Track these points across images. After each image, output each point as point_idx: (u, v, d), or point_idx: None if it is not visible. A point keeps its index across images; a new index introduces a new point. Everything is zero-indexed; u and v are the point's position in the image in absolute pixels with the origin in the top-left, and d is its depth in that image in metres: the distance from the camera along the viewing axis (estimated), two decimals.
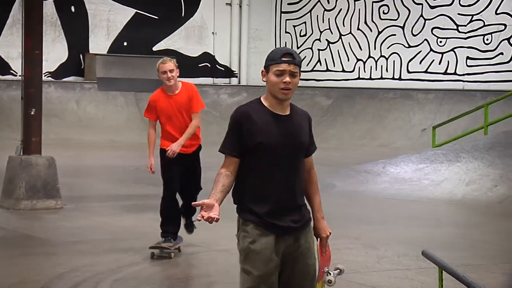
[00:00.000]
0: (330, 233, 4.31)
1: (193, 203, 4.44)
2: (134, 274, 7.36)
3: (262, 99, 4.26)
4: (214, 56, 26.20)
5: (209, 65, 25.98)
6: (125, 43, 25.36)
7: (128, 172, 15.67)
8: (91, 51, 24.84)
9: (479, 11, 22.58)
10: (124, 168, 16.36)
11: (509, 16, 22.04)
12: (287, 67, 4.16)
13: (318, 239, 4.31)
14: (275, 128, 4.18)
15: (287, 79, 4.15)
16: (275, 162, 4.17)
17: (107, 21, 25.21)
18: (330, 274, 4.21)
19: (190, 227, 8.26)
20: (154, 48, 25.59)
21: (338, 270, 4.27)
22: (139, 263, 7.75)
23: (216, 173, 4.22)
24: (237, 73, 26.47)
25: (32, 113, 11.27)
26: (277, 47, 28.06)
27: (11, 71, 23.26)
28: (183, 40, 25.92)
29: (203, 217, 4.08)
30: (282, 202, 4.18)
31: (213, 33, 26.33)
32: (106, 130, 22.66)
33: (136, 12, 25.50)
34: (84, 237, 9.12)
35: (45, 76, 21.62)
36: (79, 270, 7.43)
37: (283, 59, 4.18)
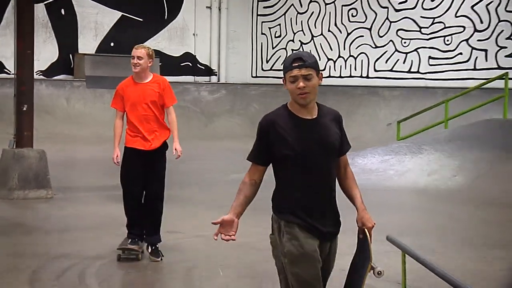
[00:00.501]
0: (375, 224, 4.07)
1: (212, 221, 4.05)
2: (118, 258, 7.32)
3: (288, 104, 4.05)
4: (195, 56, 26.17)
5: (190, 64, 25.97)
6: (112, 44, 25.29)
7: (113, 165, 15.57)
8: (80, 51, 24.76)
9: (440, 14, 22.68)
10: (110, 160, 16.21)
11: (467, 19, 22.15)
12: (299, 72, 3.93)
13: (363, 229, 4.06)
14: (302, 134, 3.94)
15: (301, 84, 3.92)
16: (308, 167, 3.93)
17: (95, 23, 25.14)
18: (376, 266, 3.99)
19: (157, 255, 7.15)
20: None
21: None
22: None
23: (207, 169, 4.12)
24: (216, 72, 26.47)
25: (24, 109, 11.25)
26: (253, 48, 28.34)
27: (5, 70, 23.12)
28: (166, 41, 25.87)
29: (222, 238, 4.00)
30: (323, 207, 3.99)
31: (194, 34, 26.31)
32: (94, 125, 22.57)
33: (122, 14, 25.46)
34: (73, 225, 9.12)
35: (36, 74, 21.48)
36: (68, 256, 7.43)
37: (293, 65, 3.96)
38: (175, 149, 7.30)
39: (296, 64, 3.95)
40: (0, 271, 6.88)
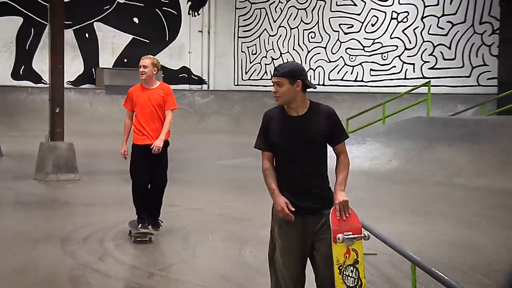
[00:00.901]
0: (343, 200, 3.64)
1: (289, 208, 3.67)
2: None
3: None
4: (190, 69, 26.13)
5: (186, 76, 25.92)
6: (125, 60, 25.18)
7: (127, 154, 15.54)
8: (100, 66, 24.67)
9: (379, 36, 22.77)
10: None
11: (399, 40, 22.25)
12: (274, 79, 3.77)
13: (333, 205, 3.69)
14: (287, 128, 3.71)
15: (273, 89, 3.75)
16: (291, 157, 3.69)
17: (112, 44, 25.02)
18: (339, 239, 3.56)
19: (157, 225, 6.81)
20: None
21: (350, 233, 3.60)
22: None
23: (197, 156, 4.00)
24: (206, 81, 26.45)
25: (57, 111, 11.17)
26: (235, 62, 28.43)
27: (42, 81, 22.98)
28: (168, 57, 25.77)
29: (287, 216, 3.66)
30: (302, 188, 3.68)
31: (189, 52, 26.28)
32: (111, 123, 22.41)
33: (133, 37, 25.36)
34: (95, 201, 9.06)
35: (66, 84, 21.28)
36: (92, 225, 7.39)
37: (273, 73, 3.82)
38: (154, 144, 6.55)
39: (274, 73, 3.83)
40: (38, 235, 6.83)
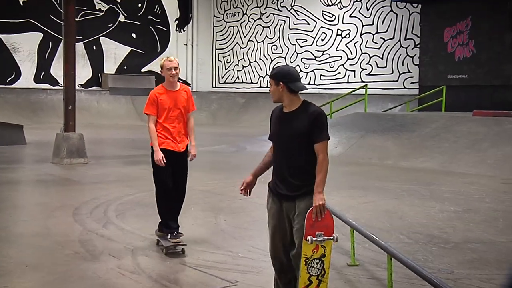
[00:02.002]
0: (320, 204, 3.17)
1: (240, 187, 3.51)
2: (131, 200, 7.25)
3: None
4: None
5: None
6: (125, 67, 24.96)
7: (127, 142, 15.44)
8: (105, 72, 24.40)
9: (327, 49, 22.85)
10: (124, 140, 16.10)
11: (343, 52, 22.36)
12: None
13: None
14: (279, 122, 3.38)
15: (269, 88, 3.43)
16: (278, 147, 3.36)
17: (114, 54, 24.77)
18: (308, 241, 3.15)
19: (177, 236, 5.08)
20: (142, 70, 25.35)
21: (322, 233, 3.17)
22: (133, 194, 7.65)
23: None
24: (190, 84, 26.33)
25: (70, 108, 11.00)
26: (213, 69, 28.35)
27: (58, 84, 22.71)
28: (159, 65, 25.58)
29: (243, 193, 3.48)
30: (283, 176, 3.30)
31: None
32: (114, 118, 22.28)
33: (132, 49, 25.14)
34: (101, 179, 8.96)
35: (78, 86, 21.08)
36: (98, 198, 7.31)
37: None
38: (190, 152, 5.16)
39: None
40: (54, 207, 6.75)
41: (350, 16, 22.18)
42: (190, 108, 5.21)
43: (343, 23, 22.43)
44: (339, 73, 22.42)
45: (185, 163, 5.17)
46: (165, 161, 4.91)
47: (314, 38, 23.32)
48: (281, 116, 3.37)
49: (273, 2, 24.76)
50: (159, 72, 5.15)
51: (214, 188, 8.23)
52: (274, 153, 3.42)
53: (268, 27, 25.03)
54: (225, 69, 26.57)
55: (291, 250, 3.31)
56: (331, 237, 3.18)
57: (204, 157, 12.40)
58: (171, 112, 5.04)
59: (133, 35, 25.27)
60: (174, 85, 5.11)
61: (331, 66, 22.65)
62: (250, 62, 25.67)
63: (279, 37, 24.61)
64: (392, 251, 3.66)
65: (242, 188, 3.55)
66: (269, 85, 3.41)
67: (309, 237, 3.15)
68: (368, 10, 21.68)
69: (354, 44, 22.09)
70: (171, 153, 5.03)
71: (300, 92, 3.31)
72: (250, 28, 25.71)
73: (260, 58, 25.36)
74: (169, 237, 5.02)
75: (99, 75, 24.36)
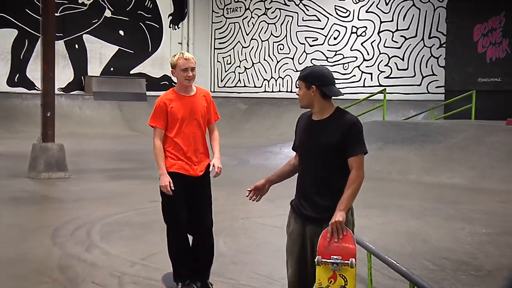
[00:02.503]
0: (337, 221, 3.08)
1: (247, 189, 3.39)
2: (117, 220, 7.28)
3: None
4: (170, 77, 26.02)
5: (167, 83, 25.82)
6: (111, 69, 25.04)
7: (113, 154, 15.47)
8: (89, 74, 24.50)
9: (340, 49, 22.93)
10: (110, 151, 16.14)
11: (359, 52, 22.43)
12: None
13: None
14: (306, 131, 3.29)
15: (297, 91, 3.36)
16: (305, 160, 3.28)
17: (99, 54, 24.86)
18: (317, 261, 3.07)
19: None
20: (131, 72, 25.44)
21: (340, 258, 3.04)
22: (120, 213, 7.68)
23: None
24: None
25: (48, 115, 11.06)
26: (212, 71, 28.43)
27: (35, 87, 22.76)
28: (150, 67, 25.74)
29: (251, 198, 3.45)
30: (309, 194, 3.23)
31: (170, 62, 26.27)
32: (98, 126, 22.33)
33: (119, 48, 25.23)
34: (83, 196, 8.98)
35: (58, 90, 21.20)
36: (80, 218, 7.32)
37: None
38: (214, 165, 4.37)
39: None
40: (30, 228, 6.75)
41: (366, 12, 22.28)
42: (212, 118, 4.51)
43: (359, 20, 22.53)
44: (354, 75, 22.49)
45: (206, 192, 4.35)
46: (172, 188, 4.19)
47: (326, 37, 23.42)
48: (309, 124, 3.30)
49: None
50: (172, 72, 4.46)
51: (213, 206, 8.22)
52: (299, 166, 3.34)
53: (274, 24, 25.15)
54: (225, 71, 26.68)
55: (313, 283, 3.18)
56: (346, 262, 3.03)
57: None
58: (185, 124, 4.31)
59: (121, 32, 25.41)
60: (189, 90, 4.42)
61: (345, 68, 22.72)
62: (253, 63, 25.76)
63: (286, 35, 24.72)
64: (415, 278, 3.65)
65: (249, 189, 3.51)
66: (297, 88, 3.34)
67: (318, 257, 3.05)
68: (387, 4, 21.78)
69: (371, 43, 22.16)
70: (185, 178, 4.26)
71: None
72: (254, 25, 25.84)
73: (264, 59, 25.45)
74: (179, 286, 4.38)
75: (82, 77, 24.46)
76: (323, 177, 3.20)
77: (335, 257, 3.04)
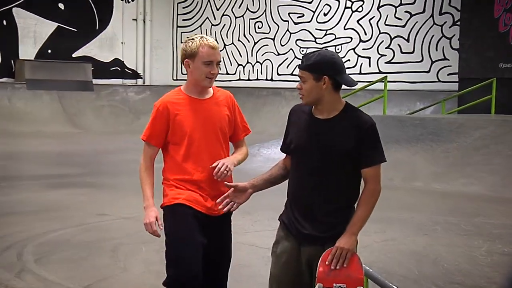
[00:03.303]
0: (342, 248, 3.10)
1: (226, 183, 3.33)
2: (54, 239, 7.21)
3: None
4: (123, 61, 25.99)
5: (119, 69, 25.73)
6: (49, 51, 24.83)
7: (52, 156, 15.34)
8: (20, 57, 24.26)
9: (331, 27, 23.00)
10: (49, 153, 16.01)
11: (354, 31, 22.52)
12: (298, 72, 3.28)
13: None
14: (308, 132, 3.24)
15: (298, 85, 3.26)
16: (304, 166, 3.24)
17: (34, 32, 24.63)
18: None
19: None
20: (74, 55, 25.26)
21: (344, 286, 3.08)
22: (58, 230, 7.60)
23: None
24: (142, 75, 26.31)
25: None
26: (174, 55, 28.23)
27: None
28: (97, 49, 25.58)
29: (225, 204, 3.41)
30: (309, 208, 3.21)
31: (122, 43, 26.14)
32: (34, 123, 22.11)
33: (58, 25, 25.04)
34: (16, 209, 8.87)
35: None
36: (11, 235, 7.23)
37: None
38: (222, 162, 3.70)
39: (299, 64, 3.29)
40: None
41: None
42: (241, 131, 3.94)
43: None
44: (348, 60, 22.59)
45: (227, 235, 3.80)
46: (160, 228, 3.68)
47: (314, 12, 23.50)
48: (312, 123, 3.26)
49: None
50: (184, 64, 3.78)
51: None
52: (294, 173, 3.31)
53: None
54: None
55: None
56: None
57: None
58: (197, 141, 3.71)
59: (61, 5, 25.21)
60: (205, 92, 3.84)
61: (338, 50, 22.82)
62: (225, 45, 25.74)
63: (265, 11, 24.75)
64: None
65: (229, 186, 3.43)
66: (302, 80, 3.24)
67: (318, 285, 3.07)
68: None
69: (369, 20, 22.29)
70: (200, 215, 3.68)
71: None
72: None
73: (239, 40, 25.45)
74: None
75: (12, 62, 24.22)
76: (329, 190, 3.20)
77: (338, 285, 3.07)
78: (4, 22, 24.24)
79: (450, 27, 20.66)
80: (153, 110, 3.80)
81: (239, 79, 25.22)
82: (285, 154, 3.46)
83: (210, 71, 3.72)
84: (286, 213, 3.34)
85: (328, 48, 22.92)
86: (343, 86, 3.31)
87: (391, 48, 21.87)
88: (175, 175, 3.74)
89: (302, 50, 23.65)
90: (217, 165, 3.67)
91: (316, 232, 3.20)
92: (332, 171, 3.19)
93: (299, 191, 3.27)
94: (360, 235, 6.90)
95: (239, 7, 25.43)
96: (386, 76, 16.99)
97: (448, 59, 20.67)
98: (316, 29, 23.39)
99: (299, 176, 3.28)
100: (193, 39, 3.76)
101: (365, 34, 22.37)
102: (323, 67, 3.20)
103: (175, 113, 3.73)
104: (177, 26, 27.15)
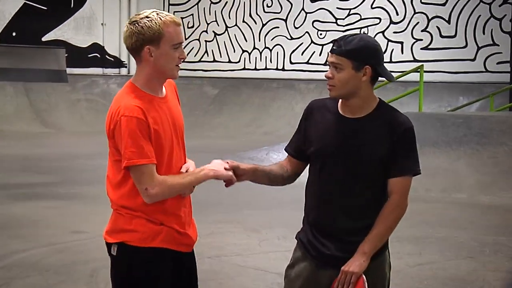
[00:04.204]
0: (351, 271, 3.18)
1: (226, 164, 3.30)
2: (19, 261, 7.18)
3: None
4: (103, 46, 25.94)
5: (98, 56, 25.72)
6: (13, 33, 24.85)
7: (16, 161, 15.33)
8: None
9: (356, 5, 22.99)
10: (13, 157, 16.01)
11: (383, 11, 22.51)
12: (330, 58, 3.23)
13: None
14: (334, 132, 3.25)
15: (328, 73, 3.23)
16: (329, 175, 3.27)
17: None
18: None
19: None
20: (44, 39, 25.27)
21: None
22: (25, 251, 7.58)
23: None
24: (126, 64, 26.28)
25: None
26: None
27: None
28: (73, 31, 25.58)
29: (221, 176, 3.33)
30: (334, 225, 3.27)
31: (102, 24, 26.09)
32: None
33: (25, 2, 25.06)
34: None
35: None
36: None
37: (332, 47, 3.23)
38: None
39: (332, 48, 3.24)
40: None
41: None
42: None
43: None
44: None
45: (195, 270, 3.70)
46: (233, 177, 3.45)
47: None
48: (339, 123, 3.28)
49: None
50: (142, 52, 3.43)
51: None
52: (315, 183, 3.33)
53: None
54: (186, 39, 26.60)
55: None
56: None
57: None
58: (176, 158, 3.50)
59: None
60: (161, 87, 3.53)
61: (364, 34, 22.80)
62: (227, 27, 25.75)
63: None
64: None
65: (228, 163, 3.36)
66: (337, 68, 3.23)
67: None
68: None
69: None
70: (172, 256, 3.51)
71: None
72: None
73: (243, 21, 25.46)
74: None
75: None
76: (358, 203, 3.25)
77: None
78: None
79: (500, 6, 20.62)
80: (129, 124, 3.32)
81: (244, 69, 25.21)
82: (288, 156, 3.49)
83: (180, 56, 3.45)
84: (304, 231, 3.37)
85: (352, 31, 22.92)
86: None
87: (428, 31, 21.85)
88: (146, 205, 3.38)
89: (321, 34, 23.66)
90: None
91: (341, 252, 3.24)
92: (362, 181, 3.24)
93: (320, 205, 3.31)
94: (392, 258, 6.88)
95: None
96: (422, 65, 16.99)
97: (498, 45, 20.64)
98: (337, 8, 23.38)
99: (322, 187, 3.31)
100: (148, 17, 3.39)
101: (397, 14, 22.36)
102: (367, 55, 3.20)
103: (150, 121, 3.38)
104: (169, 4, 27.16)
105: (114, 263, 3.49)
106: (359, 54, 3.18)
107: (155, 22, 3.37)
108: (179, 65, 3.47)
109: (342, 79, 3.18)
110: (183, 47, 3.48)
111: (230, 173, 3.36)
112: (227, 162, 3.36)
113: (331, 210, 3.27)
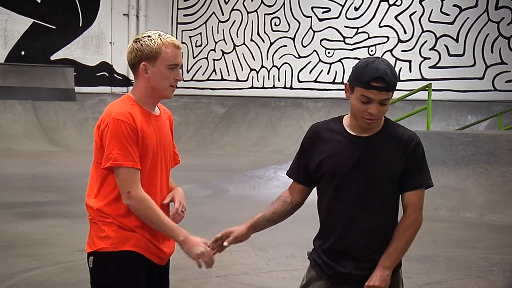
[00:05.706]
0: (374, 285, 3.24)
1: (220, 234, 3.51)
2: (27, 280, 7.16)
3: (344, 117, 3.39)
4: (111, 65, 26.00)
5: (107, 74, 25.77)
6: (22, 52, 24.92)
7: (24, 180, 15.35)
8: None
9: (364, 24, 23.02)
10: (21, 175, 16.03)
11: (391, 29, 22.53)
12: (376, 95, 3.20)
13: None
14: (345, 152, 3.30)
15: (374, 110, 3.22)
16: (338, 192, 3.31)
17: (4, 30, 24.73)
18: None
19: None
20: (52, 57, 25.32)
21: None
22: (33, 269, 7.55)
23: None
24: (134, 82, 26.31)
25: None
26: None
27: None
28: (81, 50, 25.64)
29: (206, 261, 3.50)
30: (352, 244, 3.30)
31: (110, 43, 26.17)
32: (3, 139, 22.19)
33: (34, 22, 25.11)
34: None
35: None
36: None
37: (373, 84, 3.19)
38: (180, 204, 3.73)
39: (377, 85, 3.19)
40: None
41: None
42: (174, 155, 3.82)
43: None
44: None
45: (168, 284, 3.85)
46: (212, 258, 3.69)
47: (343, 6, 23.53)
48: (351, 142, 3.32)
49: None
50: (139, 68, 3.60)
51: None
52: (330, 203, 3.35)
53: None
54: (193, 57, 26.69)
55: None
56: None
57: None
58: (160, 171, 3.63)
59: None
60: (155, 104, 3.70)
61: (371, 53, 22.81)
62: (235, 45, 25.80)
63: (283, 5, 24.81)
64: None
65: (217, 237, 3.55)
66: (382, 104, 3.27)
67: None
68: None
69: (410, 16, 22.29)
70: (149, 266, 3.62)
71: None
72: None
73: (251, 40, 25.50)
74: None
75: None
76: (375, 222, 3.31)
77: None
78: None
79: (508, 24, 20.63)
80: (120, 125, 3.48)
81: (252, 87, 25.23)
82: (293, 184, 3.52)
83: (175, 77, 3.59)
84: (317, 251, 3.40)
85: (360, 49, 22.95)
86: None
87: (436, 50, 21.84)
88: (118, 211, 3.50)
89: (328, 52, 23.69)
90: (176, 206, 3.67)
91: (357, 270, 3.29)
92: (380, 199, 3.31)
93: (334, 224, 3.34)
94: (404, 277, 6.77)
95: (252, 0, 25.52)
96: (431, 84, 16.97)
97: (506, 63, 20.62)
98: (345, 26, 23.41)
99: (336, 206, 3.34)
100: (149, 36, 3.58)
101: (405, 32, 22.37)
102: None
103: (140, 129, 3.52)
104: (177, 23, 27.23)
105: (92, 275, 3.59)
106: (395, 79, 3.27)
107: (155, 42, 3.55)
108: (175, 86, 3.61)
109: (385, 111, 3.25)
110: (186, 67, 3.69)
111: (206, 255, 3.59)
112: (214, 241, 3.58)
113: (348, 228, 3.31)
